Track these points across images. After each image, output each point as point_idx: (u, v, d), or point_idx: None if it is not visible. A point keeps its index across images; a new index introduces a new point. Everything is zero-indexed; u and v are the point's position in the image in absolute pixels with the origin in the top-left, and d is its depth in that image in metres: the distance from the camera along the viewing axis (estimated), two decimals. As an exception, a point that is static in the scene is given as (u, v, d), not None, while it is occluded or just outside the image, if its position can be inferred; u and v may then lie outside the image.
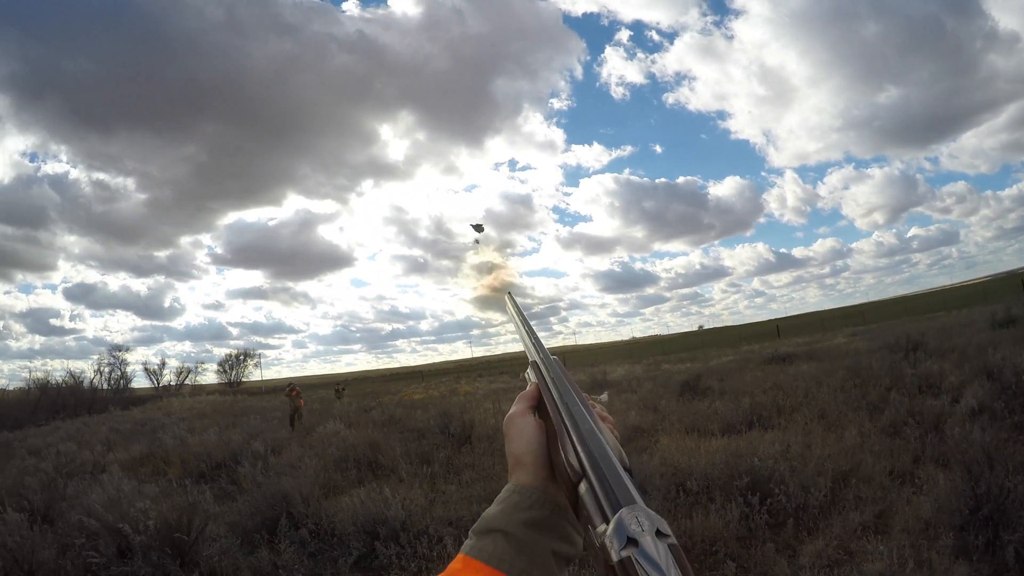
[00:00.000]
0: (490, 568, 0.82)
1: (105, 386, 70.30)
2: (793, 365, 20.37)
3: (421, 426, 15.50)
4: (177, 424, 23.47)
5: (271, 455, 13.64)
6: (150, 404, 46.02)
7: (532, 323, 1.29)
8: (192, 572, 6.88)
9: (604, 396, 19.42)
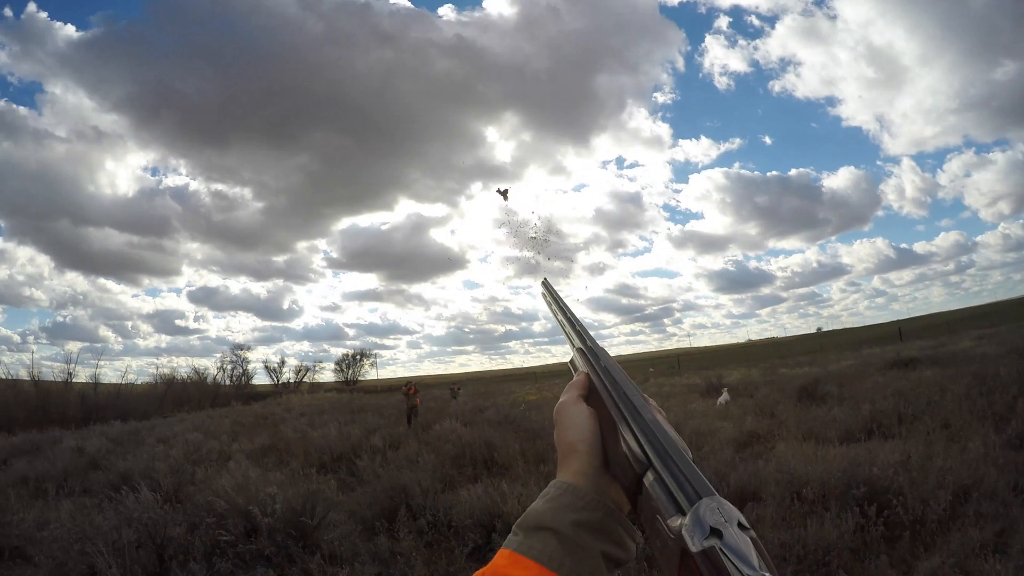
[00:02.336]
0: (539, 566, 0.82)
1: (227, 382, 74.06)
2: (916, 371, 19.50)
3: (535, 426, 15.70)
4: (297, 419, 24.62)
5: (389, 450, 14.13)
6: (270, 400, 48.24)
7: (581, 317, 1.26)
8: (313, 554, 7.27)
9: (724, 396, 19.31)
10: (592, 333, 1.16)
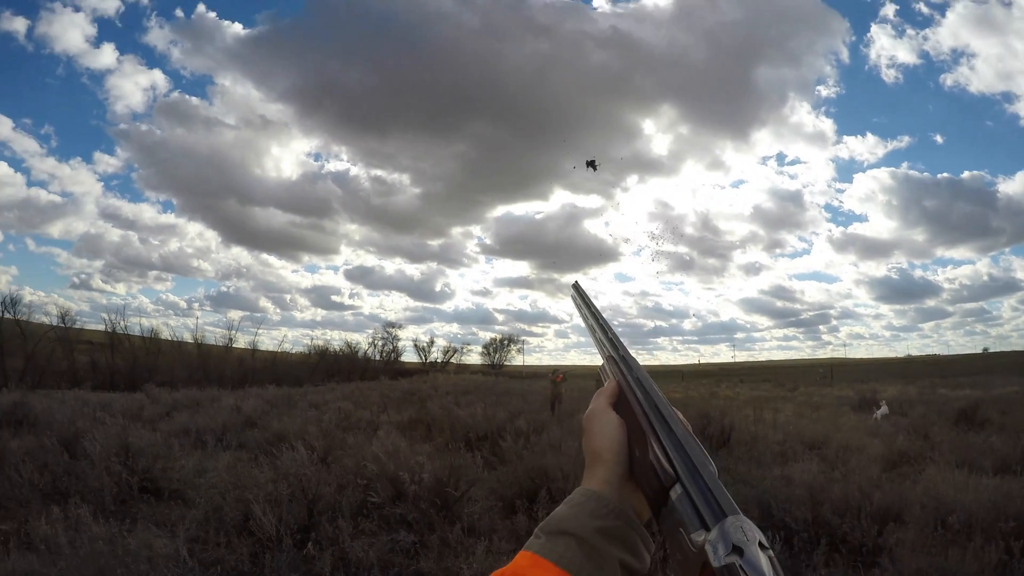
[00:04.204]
0: (559, 569, 0.87)
1: (377, 357, 77.92)
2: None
3: None
4: (443, 396, 25.37)
5: (532, 433, 14.40)
6: (417, 377, 49.96)
7: (614, 321, 1.26)
8: (453, 524, 7.61)
9: (883, 410, 18.78)
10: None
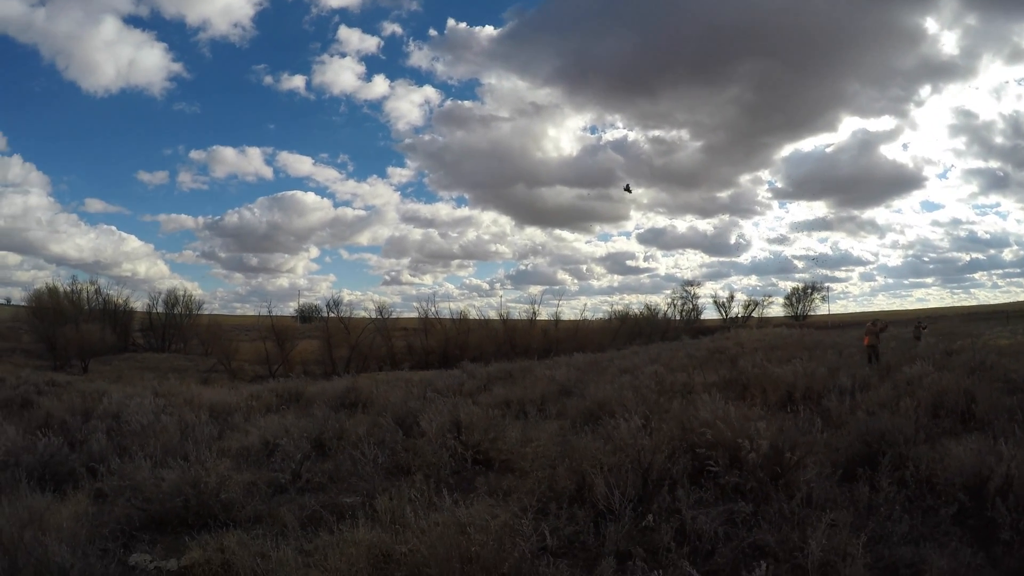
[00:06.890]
0: None
1: (677, 317, 78.87)
2: None
3: (1015, 377, 14.46)
4: (752, 353, 24.81)
5: (858, 391, 13.69)
6: (718, 334, 49.27)
7: None
8: (790, 494, 7.37)
9: None
10: None
